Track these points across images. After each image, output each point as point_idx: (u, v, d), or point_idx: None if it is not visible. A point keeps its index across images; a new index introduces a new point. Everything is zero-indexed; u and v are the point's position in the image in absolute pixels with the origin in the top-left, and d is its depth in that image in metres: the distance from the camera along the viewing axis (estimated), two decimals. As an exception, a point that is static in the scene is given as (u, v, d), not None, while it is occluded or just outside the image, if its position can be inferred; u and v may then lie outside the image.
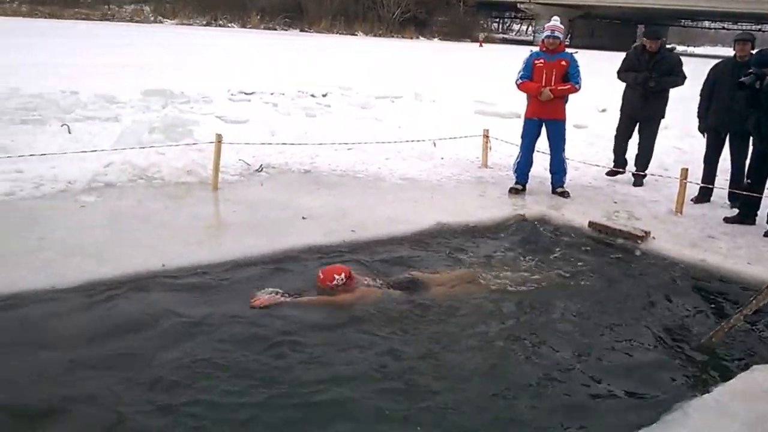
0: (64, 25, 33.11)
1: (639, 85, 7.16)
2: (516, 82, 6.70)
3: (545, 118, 6.61)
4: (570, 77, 6.47)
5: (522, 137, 6.79)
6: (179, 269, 4.25)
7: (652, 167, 7.40)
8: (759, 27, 54.15)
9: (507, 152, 7.69)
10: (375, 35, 48.77)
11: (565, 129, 6.75)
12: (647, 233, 5.39)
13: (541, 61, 6.52)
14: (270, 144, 7.21)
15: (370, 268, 4.51)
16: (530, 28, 65.08)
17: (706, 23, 74.38)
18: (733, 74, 6.16)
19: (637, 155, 7.45)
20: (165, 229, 4.95)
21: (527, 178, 6.82)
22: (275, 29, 47.11)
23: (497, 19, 72.77)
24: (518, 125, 7.09)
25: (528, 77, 6.59)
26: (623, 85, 7.46)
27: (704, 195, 6.68)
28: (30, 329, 3.45)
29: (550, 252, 5.14)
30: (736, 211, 6.17)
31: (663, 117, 7.38)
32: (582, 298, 4.32)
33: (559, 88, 6.45)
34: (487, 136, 7.83)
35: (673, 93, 7.28)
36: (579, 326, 3.95)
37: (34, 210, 5.16)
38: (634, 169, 7.43)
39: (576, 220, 5.84)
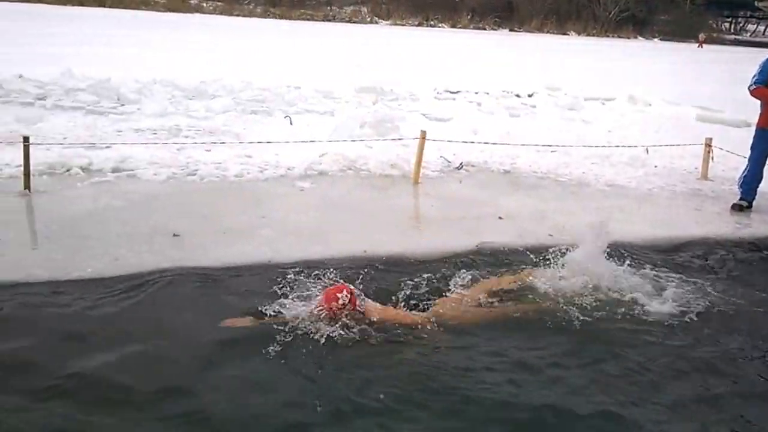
0: (293, 26, 36.48)
1: None
2: (749, 88, 6.14)
3: (781, 128, 5.96)
4: (817, 84, 5.72)
5: (751, 148, 6.25)
6: (379, 257, 4.43)
7: None
8: None
9: (732, 164, 7.10)
10: (588, 35, 46.99)
11: (805, 141, 6.01)
12: None
13: (782, 65, 5.89)
14: (472, 143, 7.31)
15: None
16: (768, 29, 58.13)
17: None
18: None
19: None
20: (369, 218, 5.27)
21: (755, 194, 6.22)
22: (485, 29, 47.40)
23: (729, 19, 65.73)
24: (747, 135, 6.53)
25: (763, 82, 5.98)
26: None
27: None
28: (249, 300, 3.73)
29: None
30: None
31: None
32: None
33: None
34: (710, 145, 7.22)
35: None
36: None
37: (257, 191, 5.81)
38: None
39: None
